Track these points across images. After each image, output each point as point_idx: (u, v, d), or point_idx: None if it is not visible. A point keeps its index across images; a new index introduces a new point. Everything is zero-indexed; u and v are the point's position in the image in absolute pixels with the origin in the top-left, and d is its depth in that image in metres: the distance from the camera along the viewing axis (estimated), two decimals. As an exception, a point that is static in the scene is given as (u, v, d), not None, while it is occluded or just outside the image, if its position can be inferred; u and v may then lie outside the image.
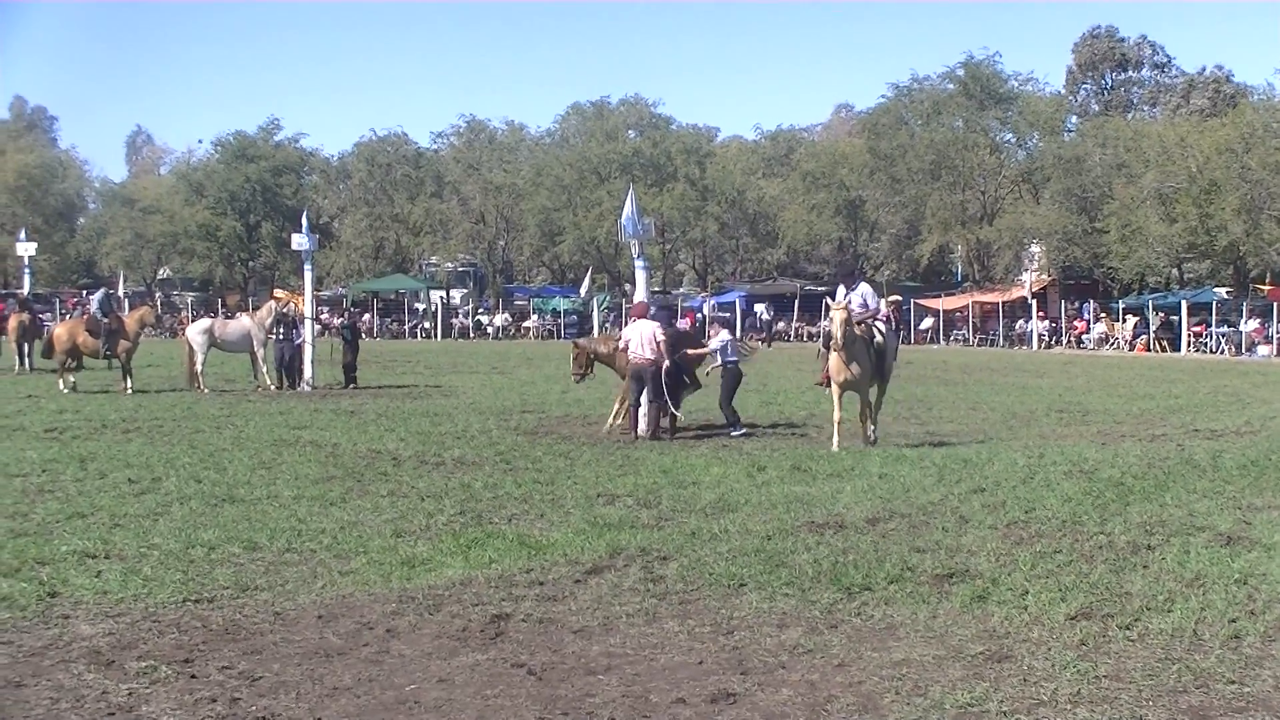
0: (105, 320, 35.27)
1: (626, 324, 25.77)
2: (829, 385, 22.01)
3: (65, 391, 32.64)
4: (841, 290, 22.77)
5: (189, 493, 16.35)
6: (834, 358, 21.63)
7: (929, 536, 13.57)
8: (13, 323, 43.40)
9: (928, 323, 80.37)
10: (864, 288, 22.92)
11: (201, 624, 10.24)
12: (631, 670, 9.13)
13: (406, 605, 10.82)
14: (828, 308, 22.55)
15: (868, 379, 21.82)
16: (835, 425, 21.51)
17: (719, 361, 24.37)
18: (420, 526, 14.28)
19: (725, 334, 25.31)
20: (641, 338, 23.55)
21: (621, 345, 23.91)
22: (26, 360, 41.97)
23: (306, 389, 34.57)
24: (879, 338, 22.34)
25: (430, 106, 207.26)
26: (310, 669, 9.14)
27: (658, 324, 24.07)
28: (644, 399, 23.52)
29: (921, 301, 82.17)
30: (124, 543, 13.21)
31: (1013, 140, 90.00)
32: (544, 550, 12.91)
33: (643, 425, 23.34)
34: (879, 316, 22.80)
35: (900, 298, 75.07)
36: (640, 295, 26.25)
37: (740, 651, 9.55)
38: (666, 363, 23.30)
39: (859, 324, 21.80)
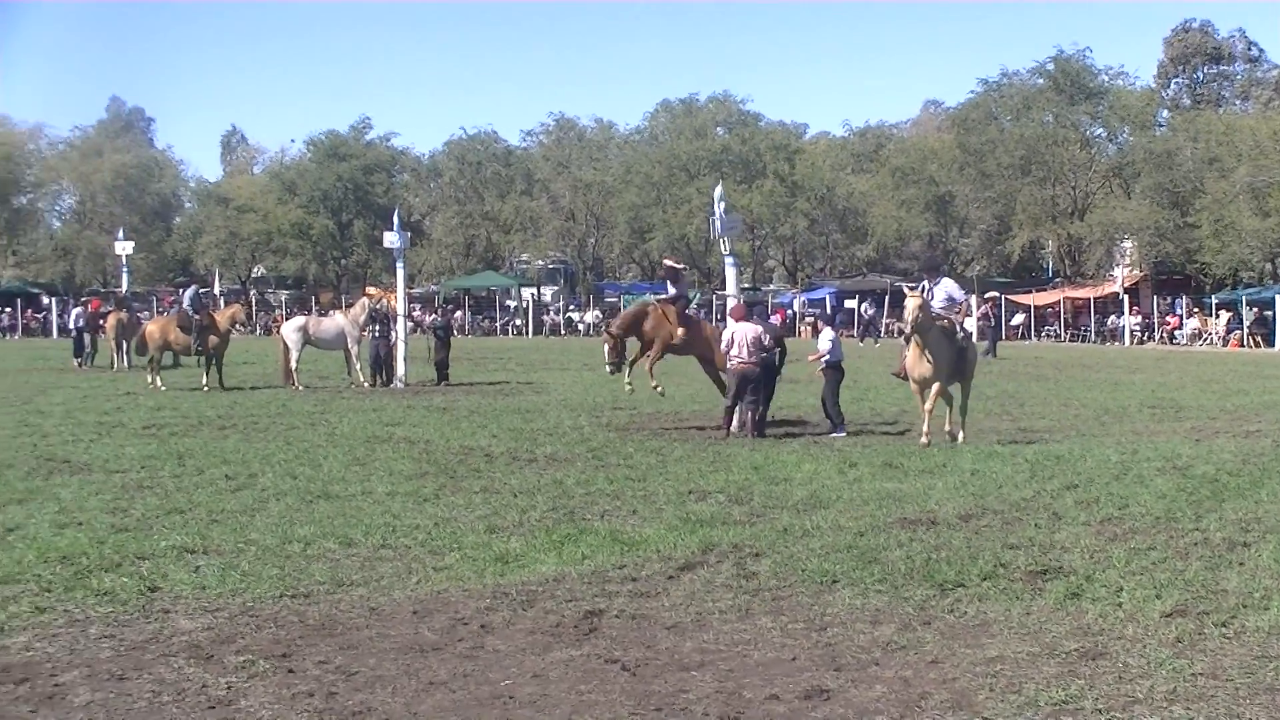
0: (197, 317, 35.62)
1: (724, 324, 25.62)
2: (905, 378, 21.92)
3: (161, 389, 33.01)
4: (924, 285, 22.68)
5: (285, 489, 16.49)
6: (910, 350, 21.58)
7: (1022, 533, 13.48)
8: (111, 321, 43.95)
9: (1019, 319, 79.79)
10: (947, 283, 22.70)
11: (298, 619, 10.33)
12: (724, 666, 9.12)
13: (500, 601, 10.86)
14: (904, 296, 22.45)
15: (945, 375, 21.56)
16: (926, 414, 21.34)
17: (824, 360, 24.07)
18: (513, 522, 14.32)
19: (830, 331, 25.03)
20: (744, 340, 23.19)
21: (722, 347, 23.73)
22: (125, 358, 42.46)
23: (399, 386, 34.78)
24: (959, 334, 22.16)
25: (520, 105, 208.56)
26: (406, 664, 9.19)
27: (760, 326, 23.89)
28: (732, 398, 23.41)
29: (1012, 298, 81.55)
30: (221, 538, 13.34)
31: (1103, 135, 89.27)
32: (637, 546, 12.92)
33: (735, 424, 23.17)
34: (962, 312, 22.60)
35: (998, 294, 74.66)
36: (730, 291, 26.25)
37: (833, 648, 9.52)
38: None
39: (940, 319, 21.65)
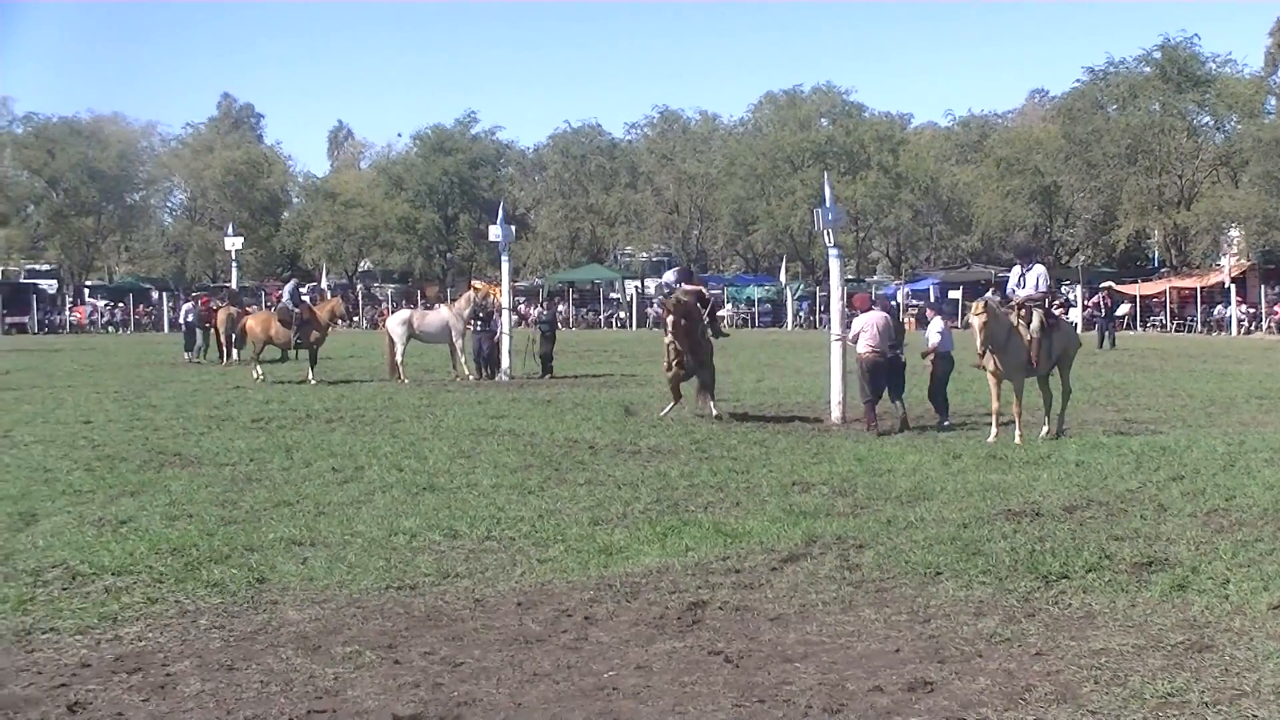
0: (297, 311, 35.95)
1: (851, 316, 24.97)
2: (984, 369, 21.58)
3: (262, 381, 33.38)
4: (1016, 270, 22.48)
5: (390, 481, 16.63)
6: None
7: (1127, 524, 13.37)
8: (221, 316, 44.41)
9: (1125, 309, 78.92)
10: (1039, 269, 22.33)
11: (404, 610, 10.43)
12: (828, 658, 9.12)
13: (604, 592, 10.91)
14: (1008, 291, 22.24)
15: (1019, 369, 21.16)
16: (993, 416, 21.15)
17: (934, 349, 23.65)
18: (617, 514, 14.37)
19: (940, 321, 24.51)
20: (874, 328, 22.83)
21: (850, 338, 23.39)
22: (235, 352, 42.92)
23: (504, 379, 34.91)
24: (1041, 323, 21.69)
25: (624, 98, 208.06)
26: (510, 655, 9.25)
27: (887, 314, 23.63)
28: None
29: (1118, 288, 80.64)
30: (329, 530, 13.48)
31: (1211, 123, 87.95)
32: (740, 538, 12.93)
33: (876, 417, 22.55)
34: (1043, 302, 22.16)
35: (1111, 284, 73.89)
36: (834, 283, 26.03)
37: (937, 640, 9.50)
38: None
39: (1022, 309, 21.43)
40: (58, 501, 15.25)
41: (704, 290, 26.64)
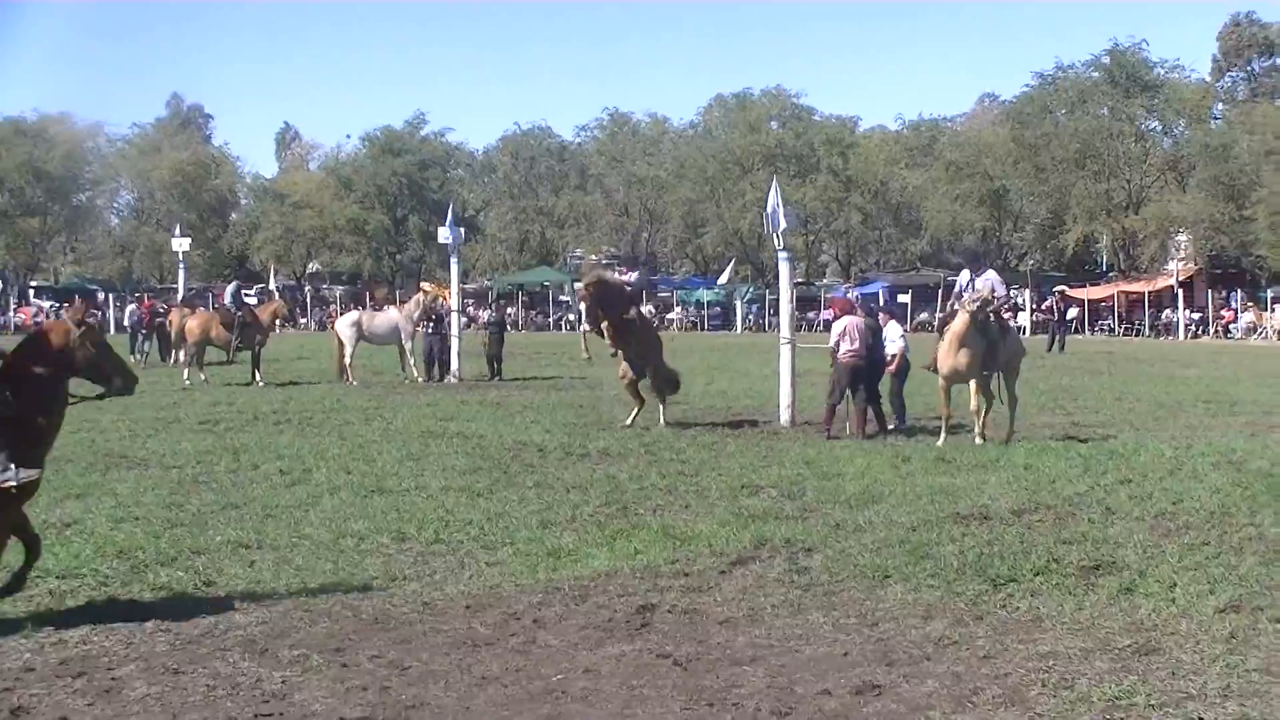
0: (239, 313, 35.86)
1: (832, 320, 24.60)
2: (935, 370, 21.49)
3: (188, 384, 33.19)
4: (965, 274, 22.36)
5: (339, 484, 16.58)
6: (943, 345, 21.23)
7: (1075, 528, 13.47)
8: (175, 318, 44.12)
9: (1073, 313, 79.36)
10: (991, 274, 22.26)
11: (352, 613, 10.40)
12: (777, 661, 9.14)
13: (553, 596, 10.92)
14: (955, 296, 22.14)
15: (978, 370, 21.05)
16: (944, 421, 21.25)
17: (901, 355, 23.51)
18: (566, 518, 14.37)
19: (898, 326, 24.33)
20: (855, 332, 22.58)
21: (831, 343, 23.02)
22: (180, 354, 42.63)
23: (453, 381, 34.86)
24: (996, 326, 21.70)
25: (573, 100, 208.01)
26: (459, 658, 9.25)
27: (864, 318, 23.43)
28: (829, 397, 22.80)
29: (1066, 292, 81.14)
30: (276, 533, 13.45)
31: (1159, 128, 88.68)
32: (689, 541, 12.95)
33: (854, 422, 22.36)
34: (1003, 305, 22.35)
35: (1064, 288, 74.31)
36: (784, 286, 26.03)
37: (885, 643, 9.54)
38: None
39: (981, 313, 21.35)
40: (2, 504, 15.12)
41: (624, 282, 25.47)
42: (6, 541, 10.39)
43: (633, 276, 25.86)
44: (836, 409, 22.56)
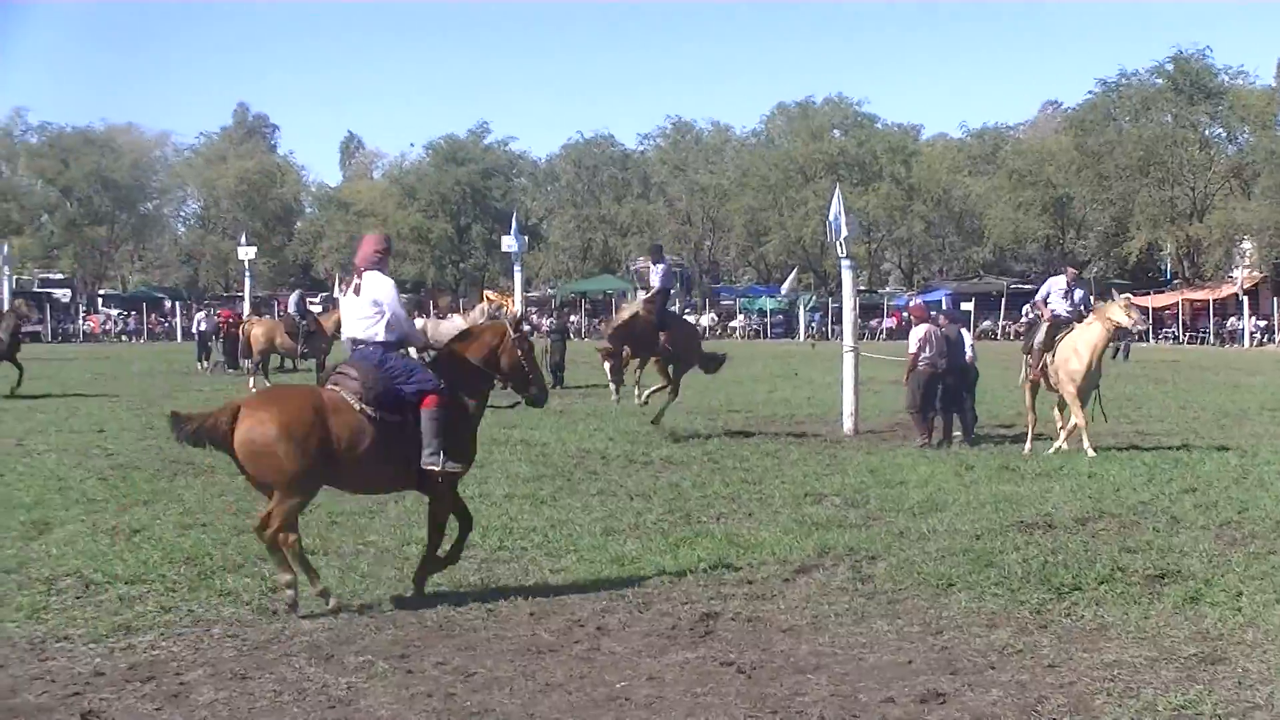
0: (303, 322, 36.00)
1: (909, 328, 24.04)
2: (1045, 385, 21.12)
3: (254, 392, 33.36)
4: (1057, 281, 22.18)
5: (403, 491, 16.62)
6: (1074, 354, 20.61)
7: (1140, 537, 13.40)
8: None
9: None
10: (1081, 291, 22.16)
11: (417, 620, 10.46)
12: (840, 669, 9.13)
13: (617, 603, 10.94)
14: (1080, 317, 21.32)
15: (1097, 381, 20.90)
16: (1084, 430, 20.47)
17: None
18: (629, 525, 14.40)
19: (968, 335, 23.78)
20: (935, 339, 22.26)
21: (911, 351, 22.68)
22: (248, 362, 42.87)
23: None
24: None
25: (637, 108, 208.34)
26: (523, 665, 9.28)
27: (947, 325, 23.06)
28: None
29: (1131, 300, 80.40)
30: (341, 540, 13.54)
31: (1223, 135, 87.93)
32: (752, 549, 12.96)
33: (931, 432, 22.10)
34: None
35: (1130, 296, 73.78)
36: (847, 295, 25.94)
37: (949, 651, 9.51)
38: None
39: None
40: (71, 510, 15.29)
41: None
42: (445, 519, 11.31)
43: (659, 271, 25.30)
44: (929, 417, 22.15)
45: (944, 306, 74.82)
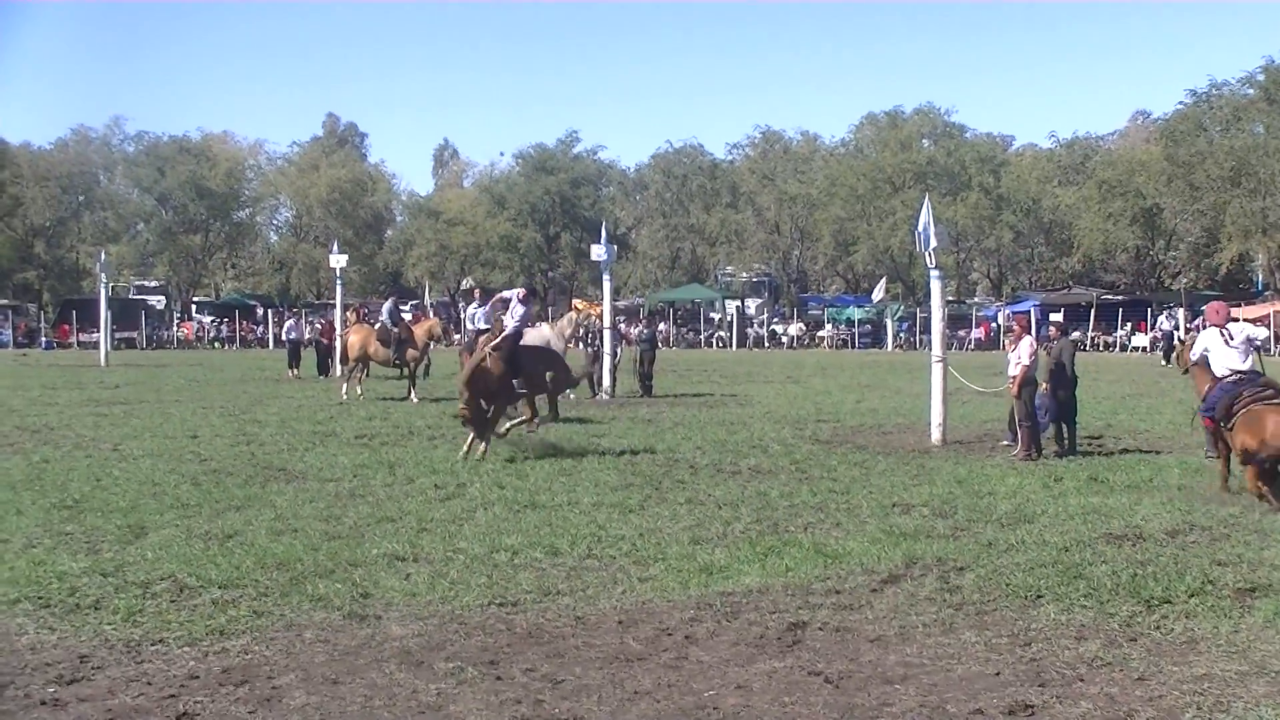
0: (395, 330, 36.25)
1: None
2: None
3: (344, 399, 33.66)
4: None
5: (492, 498, 16.74)
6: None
7: (1230, 549, 13.28)
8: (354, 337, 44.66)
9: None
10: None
11: (506, 627, 10.51)
12: (928, 680, 9.11)
13: (705, 612, 10.95)
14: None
15: None
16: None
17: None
18: (717, 534, 14.41)
19: (1030, 341, 23.31)
20: (1031, 352, 21.89)
21: (1024, 364, 21.71)
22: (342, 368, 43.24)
23: (605, 398, 34.99)
24: None
25: (725, 118, 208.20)
26: (611, 673, 9.32)
27: (1054, 338, 22.89)
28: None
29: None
30: (431, 546, 13.61)
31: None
32: (840, 559, 12.94)
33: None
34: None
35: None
36: (935, 304, 25.81)
37: (1038, 663, 9.47)
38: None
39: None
40: (166, 515, 15.48)
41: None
42: None
43: (518, 313, 22.89)
44: (1036, 429, 21.79)
45: (1033, 318, 74.78)
